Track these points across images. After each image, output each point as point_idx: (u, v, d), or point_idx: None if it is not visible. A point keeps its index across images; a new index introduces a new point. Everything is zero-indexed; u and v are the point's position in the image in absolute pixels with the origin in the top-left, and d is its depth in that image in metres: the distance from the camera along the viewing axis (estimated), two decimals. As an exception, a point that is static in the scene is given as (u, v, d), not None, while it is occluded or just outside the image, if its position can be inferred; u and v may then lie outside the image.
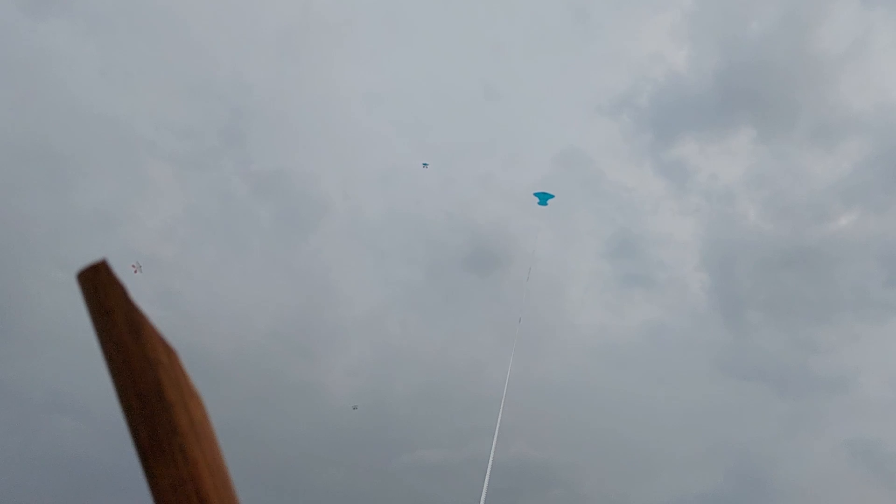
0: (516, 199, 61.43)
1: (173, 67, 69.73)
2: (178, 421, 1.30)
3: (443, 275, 67.91)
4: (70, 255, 61.64)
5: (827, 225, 67.21)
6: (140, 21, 68.59)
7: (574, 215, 70.47)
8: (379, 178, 71.39)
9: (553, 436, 61.37)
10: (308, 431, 59.94)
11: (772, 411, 63.27)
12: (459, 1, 73.70)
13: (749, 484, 59.50)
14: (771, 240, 67.03)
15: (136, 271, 41.64)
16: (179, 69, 69.95)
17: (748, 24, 68.65)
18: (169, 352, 1.33)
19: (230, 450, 1.41)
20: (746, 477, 59.94)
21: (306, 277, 68.75)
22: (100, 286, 1.31)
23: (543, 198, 37.10)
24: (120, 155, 67.60)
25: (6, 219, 60.94)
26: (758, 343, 65.42)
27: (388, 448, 58.21)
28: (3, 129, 60.84)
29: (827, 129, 67.72)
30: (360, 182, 71.28)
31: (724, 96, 68.58)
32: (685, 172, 70.43)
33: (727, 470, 61.38)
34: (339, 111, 72.03)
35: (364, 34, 74.52)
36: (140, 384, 1.29)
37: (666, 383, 64.95)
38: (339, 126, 71.65)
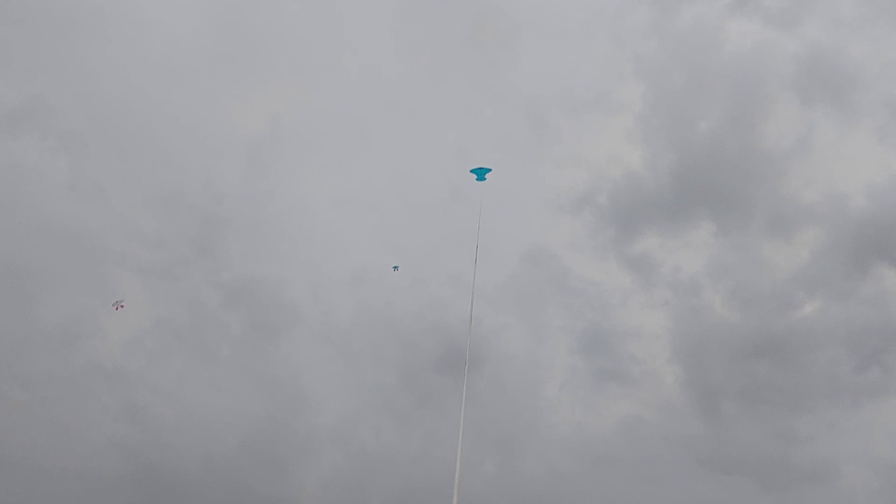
0: (486, 297, 61.83)
1: (144, 179, 70.71)
2: None
3: (416, 377, 67.10)
4: (30, 372, 60.01)
5: (792, 313, 68.42)
6: (111, 135, 70.02)
7: (545, 311, 70.96)
8: (349, 280, 71.63)
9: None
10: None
11: (757, 506, 61.95)
12: (422, 110, 76.69)
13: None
14: (739, 330, 67.89)
15: (117, 308, 42.30)
16: (151, 181, 70.92)
17: (696, 125, 72.27)
18: None
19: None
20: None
21: (277, 385, 67.43)
22: None
23: (481, 173, 37.27)
24: (88, 268, 67.23)
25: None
26: (736, 435, 64.89)
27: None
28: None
29: (782, 221, 70.20)
30: (331, 286, 71.39)
31: (680, 192, 71.19)
32: (650, 266, 71.92)
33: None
34: (308, 216, 73.05)
35: (332, 141, 76.70)
36: None
37: (648, 481, 63.58)
38: (309, 231, 72.48)
